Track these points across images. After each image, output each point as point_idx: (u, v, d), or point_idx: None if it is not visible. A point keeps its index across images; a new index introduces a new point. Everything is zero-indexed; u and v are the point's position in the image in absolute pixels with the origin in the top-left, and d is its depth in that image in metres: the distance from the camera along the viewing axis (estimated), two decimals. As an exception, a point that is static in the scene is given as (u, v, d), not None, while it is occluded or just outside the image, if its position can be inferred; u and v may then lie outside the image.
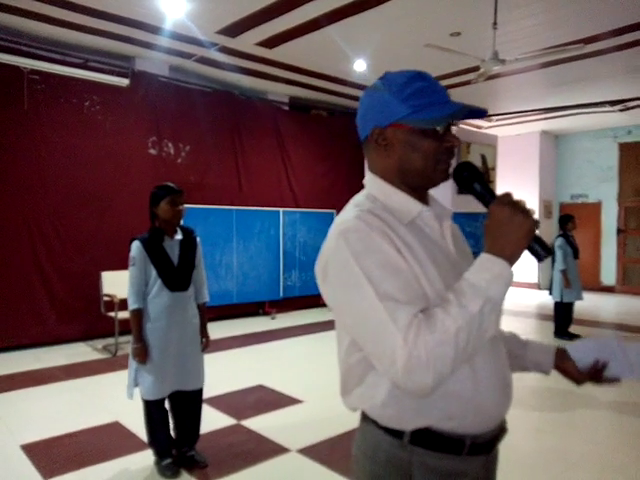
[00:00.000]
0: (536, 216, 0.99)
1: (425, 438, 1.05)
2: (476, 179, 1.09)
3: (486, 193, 1.08)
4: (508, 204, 0.98)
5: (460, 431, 1.05)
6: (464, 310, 0.93)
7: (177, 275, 2.95)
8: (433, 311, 0.95)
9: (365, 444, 1.14)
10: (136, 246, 2.91)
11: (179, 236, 3.00)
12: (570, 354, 1.26)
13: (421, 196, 1.14)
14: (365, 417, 1.14)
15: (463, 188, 1.10)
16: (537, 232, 1.01)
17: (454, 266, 1.09)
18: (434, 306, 0.97)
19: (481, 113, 1.10)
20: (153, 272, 2.90)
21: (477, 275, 0.96)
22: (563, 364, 1.26)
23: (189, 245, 3.05)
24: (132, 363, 2.93)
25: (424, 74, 1.10)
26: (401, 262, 0.99)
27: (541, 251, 1.02)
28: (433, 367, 0.91)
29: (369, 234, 1.00)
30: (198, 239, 3.15)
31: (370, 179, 1.16)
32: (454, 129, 1.11)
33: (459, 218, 9.10)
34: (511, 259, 0.97)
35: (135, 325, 2.87)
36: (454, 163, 1.10)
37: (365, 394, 1.09)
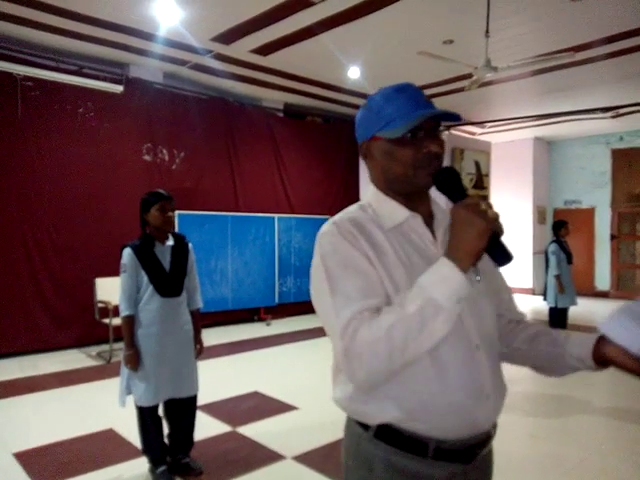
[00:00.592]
0: (501, 221, 0.99)
1: (388, 434, 1.08)
2: (451, 182, 1.10)
3: (457, 195, 1.08)
4: (466, 206, 1.00)
5: (423, 433, 1.06)
6: (402, 309, 0.96)
7: (169, 281, 2.94)
8: (382, 310, 1.00)
9: (345, 435, 1.21)
10: (127, 253, 2.90)
11: (170, 242, 3.00)
12: (609, 337, 1.05)
13: (415, 202, 1.17)
14: None
15: (440, 191, 1.12)
16: (501, 237, 1.00)
17: None
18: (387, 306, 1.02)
19: (455, 117, 1.14)
20: (145, 278, 2.89)
21: (426, 277, 0.99)
22: (607, 352, 1.06)
23: (181, 251, 3.04)
24: (124, 370, 2.92)
25: (405, 86, 1.16)
26: (364, 264, 1.05)
27: (500, 256, 1.01)
28: (366, 363, 0.96)
29: (338, 237, 1.08)
30: (190, 245, 3.15)
31: (370, 189, 1.23)
32: (445, 134, 1.12)
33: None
34: (462, 261, 0.97)
35: (127, 332, 2.86)
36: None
37: (341, 385, 1.15)
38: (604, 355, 1.07)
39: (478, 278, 1.06)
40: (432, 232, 1.17)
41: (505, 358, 1.25)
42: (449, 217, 1.17)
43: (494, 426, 1.17)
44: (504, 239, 1.01)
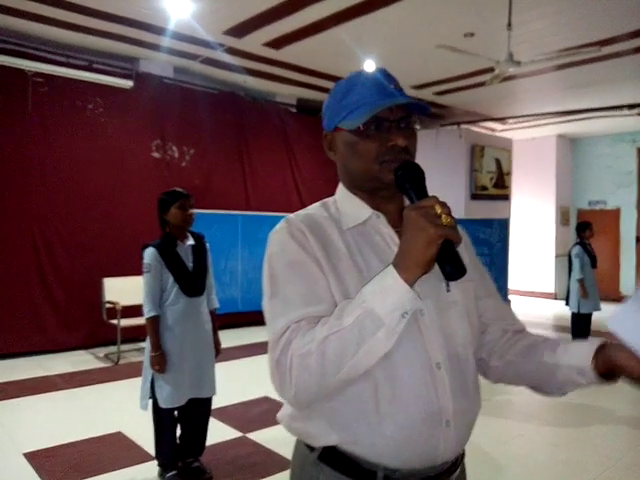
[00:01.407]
0: (452, 227, 0.86)
1: (334, 458, 0.99)
2: (409, 180, 0.98)
3: (415, 195, 0.96)
4: (418, 208, 0.88)
5: (371, 459, 0.96)
6: (338, 322, 0.87)
7: (193, 280, 2.95)
8: (320, 321, 0.91)
9: (293, 455, 1.13)
10: (150, 253, 2.89)
11: (191, 241, 3.01)
12: (617, 336, 0.87)
13: (381, 200, 1.08)
14: None
15: (398, 188, 1.00)
16: (456, 247, 0.88)
17: None
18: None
19: (423, 108, 1.03)
20: (170, 279, 2.89)
21: (369, 286, 0.89)
22: (614, 358, 0.91)
23: (201, 250, 3.07)
24: (147, 373, 2.88)
25: (367, 73, 1.07)
26: (312, 268, 0.97)
27: (450, 269, 0.88)
28: (296, 378, 0.88)
29: (286, 237, 1.01)
30: (208, 245, 3.16)
31: (339, 184, 1.16)
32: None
33: (472, 224, 8.89)
34: (408, 271, 0.86)
35: (152, 333, 2.85)
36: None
37: (285, 402, 1.06)
38: (611, 361, 0.91)
39: (448, 288, 0.98)
40: (400, 233, 1.01)
41: (499, 375, 1.14)
42: None
43: (460, 457, 1.05)
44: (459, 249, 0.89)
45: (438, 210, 0.86)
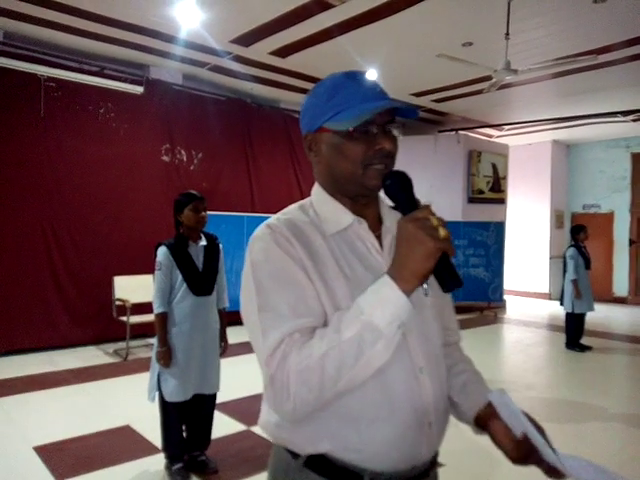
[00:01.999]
0: (448, 239, 0.86)
1: (320, 464, 0.96)
2: (399, 189, 0.97)
3: (406, 204, 0.95)
4: (414, 220, 0.87)
5: (358, 464, 0.94)
6: (336, 335, 0.85)
7: (202, 280, 3.01)
8: (315, 333, 0.88)
9: (271, 458, 1.10)
10: (162, 251, 2.97)
11: (203, 242, 3.07)
12: (495, 409, 1.01)
13: (362, 206, 1.05)
14: None
15: (388, 196, 1.00)
16: (451, 259, 0.88)
17: None
18: (322, 327, 0.90)
19: (411, 112, 1.02)
20: (179, 277, 2.96)
21: (365, 297, 0.88)
22: (490, 424, 1.03)
23: (213, 251, 3.12)
24: (155, 367, 2.96)
25: (353, 73, 1.04)
26: (299, 276, 0.93)
27: (448, 280, 0.88)
28: (294, 393, 0.85)
29: (271, 244, 0.96)
30: (221, 245, 3.22)
31: (315, 186, 1.11)
32: (395, 132, 1.02)
33: (469, 227, 9.09)
34: (406, 282, 0.85)
35: (160, 329, 2.92)
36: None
37: (266, 409, 1.03)
38: (486, 425, 1.03)
39: (428, 293, 0.93)
40: (379, 239, 1.05)
41: None
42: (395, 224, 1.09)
43: (435, 455, 1.06)
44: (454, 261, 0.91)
45: (435, 222, 0.86)
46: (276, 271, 0.93)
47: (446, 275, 0.88)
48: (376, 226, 1.06)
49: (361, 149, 0.98)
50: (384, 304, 0.85)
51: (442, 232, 0.84)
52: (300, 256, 0.95)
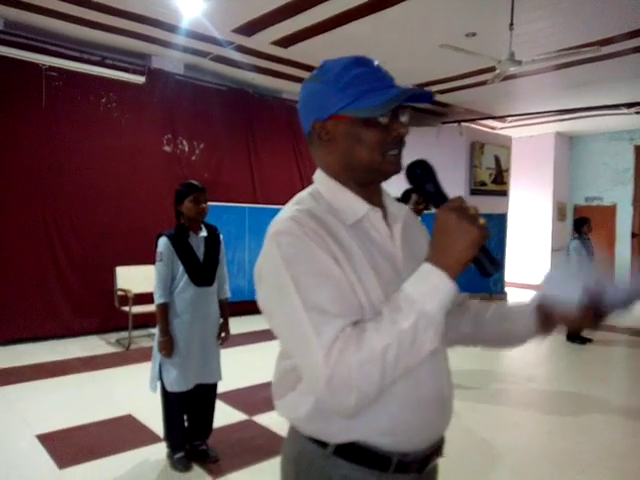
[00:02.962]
0: (487, 227, 0.90)
1: (350, 451, 0.99)
2: (428, 178, 1.00)
3: (437, 195, 0.99)
4: (456, 209, 0.90)
5: (388, 448, 0.98)
6: (395, 327, 0.86)
7: (203, 271, 3.01)
8: (364, 326, 0.88)
9: (291, 448, 1.10)
10: (163, 242, 2.97)
11: (204, 233, 3.07)
12: (551, 294, 1.07)
13: (372, 194, 1.06)
14: None
15: (414, 186, 1.02)
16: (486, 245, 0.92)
17: (398, 273, 1.00)
18: (368, 319, 0.90)
19: (427, 97, 1.02)
20: (180, 268, 2.96)
21: (414, 287, 0.89)
22: (553, 316, 1.08)
23: (213, 242, 3.11)
24: (156, 356, 2.98)
25: (363, 59, 1.02)
26: (335, 270, 0.91)
27: (489, 266, 0.93)
28: (357, 387, 0.85)
29: (301, 238, 0.92)
30: (221, 236, 3.21)
31: (318, 175, 1.09)
32: (405, 116, 1.02)
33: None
34: (452, 270, 0.88)
35: (161, 319, 2.93)
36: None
37: (293, 402, 1.04)
38: (551, 319, 1.08)
39: None
40: (390, 227, 1.06)
41: (453, 342, 1.19)
42: (403, 211, 1.11)
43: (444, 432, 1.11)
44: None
45: (472, 211, 0.89)
46: (314, 267, 0.91)
47: (486, 261, 0.92)
48: (383, 214, 1.06)
49: (380, 135, 0.97)
50: (435, 292, 0.87)
51: (481, 220, 0.89)
52: (331, 248, 0.93)
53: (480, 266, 0.93)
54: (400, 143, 1.00)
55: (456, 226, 0.88)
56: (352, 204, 1.02)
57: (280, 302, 0.93)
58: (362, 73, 0.99)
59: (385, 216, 1.06)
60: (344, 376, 0.84)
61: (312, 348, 0.87)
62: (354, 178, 1.03)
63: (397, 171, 1.01)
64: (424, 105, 8.56)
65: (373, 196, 1.06)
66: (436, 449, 1.06)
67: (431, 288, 0.87)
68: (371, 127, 0.97)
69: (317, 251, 0.91)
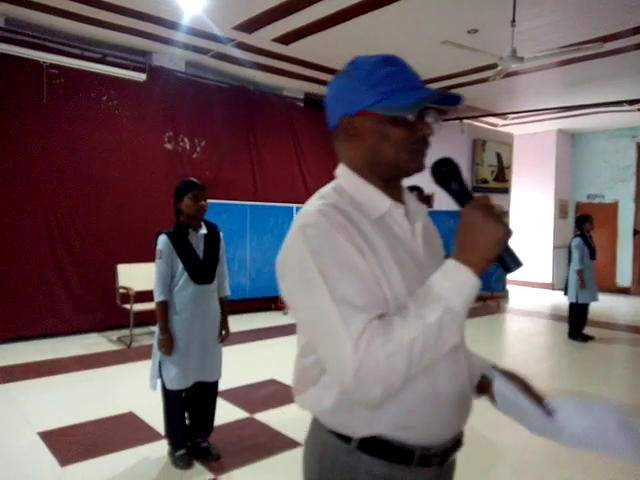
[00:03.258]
0: (510, 225, 0.94)
1: (373, 446, 1.00)
2: (454, 177, 1.02)
3: (462, 193, 1.01)
4: (481, 207, 0.93)
5: (411, 442, 1.00)
6: (421, 321, 0.88)
7: (202, 268, 3.01)
8: (391, 319, 0.90)
9: (314, 443, 1.11)
10: (163, 240, 2.96)
11: (203, 230, 3.06)
12: (495, 388, 1.09)
13: (394, 190, 1.08)
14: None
15: (439, 184, 1.04)
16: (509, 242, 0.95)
17: (420, 269, 1.02)
18: (393, 313, 0.92)
19: (456, 100, 1.02)
20: (179, 265, 2.96)
21: (440, 283, 0.92)
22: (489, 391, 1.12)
23: (213, 239, 3.11)
24: (156, 354, 2.98)
25: (394, 58, 1.04)
26: (361, 263, 0.93)
27: (511, 263, 0.96)
28: (383, 378, 0.87)
29: (329, 230, 0.94)
30: (221, 234, 3.21)
31: (341, 170, 1.10)
32: (430, 117, 1.04)
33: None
34: (478, 267, 0.92)
35: (161, 317, 2.93)
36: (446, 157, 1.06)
37: (316, 396, 1.05)
38: (485, 392, 1.14)
39: None
40: (411, 223, 1.09)
41: None
42: (421, 207, 1.13)
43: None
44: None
45: (497, 210, 0.92)
46: (341, 259, 0.92)
47: (509, 258, 0.96)
48: (404, 210, 1.09)
49: (407, 134, 1.00)
50: (461, 289, 0.90)
51: (506, 219, 0.88)
52: (357, 241, 0.95)
53: (503, 263, 0.97)
54: (425, 143, 1.03)
55: (482, 225, 0.91)
56: (375, 199, 1.04)
57: (306, 294, 0.95)
58: (393, 72, 1.01)
59: (406, 213, 1.08)
60: (372, 368, 0.86)
61: (340, 340, 0.88)
62: (378, 174, 1.05)
63: (420, 169, 1.04)
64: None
65: (394, 192, 1.08)
66: (456, 442, 1.09)
67: (457, 284, 0.91)
68: (398, 125, 1.00)
69: (344, 243, 0.93)
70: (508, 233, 0.92)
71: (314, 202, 1.02)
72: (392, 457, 1.00)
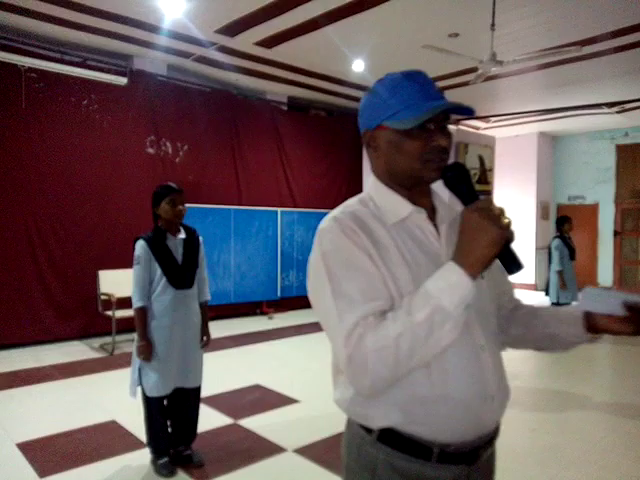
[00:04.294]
0: (512, 227, 0.95)
1: (392, 438, 1.05)
2: (462, 180, 1.06)
3: (468, 196, 1.04)
4: (479, 209, 0.96)
5: (427, 437, 1.03)
6: (409, 317, 0.93)
7: (181, 273, 2.98)
8: (386, 315, 0.96)
9: (347, 433, 1.18)
10: (140, 245, 2.93)
11: (182, 235, 3.03)
12: (593, 312, 1.11)
13: (419, 196, 1.13)
14: None
15: (448, 188, 1.08)
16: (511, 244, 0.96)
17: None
18: (390, 309, 0.98)
19: (467, 111, 1.06)
20: (158, 271, 2.93)
21: (434, 282, 0.95)
22: (598, 324, 1.10)
23: (192, 244, 3.08)
24: (135, 361, 2.94)
25: (415, 73, 1.11)
26: (367, 263, 1.01)
27: (510, 264, 0.98)
28: (371, 370, 0.93)
29: (339, 235, 1.03)
30: (201, 238, 3.18)
31: (370, 180, 1.19)
32: (453, 128, 1.08)
33: (456, 219, 9.10)
34: (472, 268, 0.94)
35: (140, 323, 2.89)
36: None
37: (341, 387, 1.13)
38: (596, 327, 1.11)
39: (484, 276, 1.02)
40: (435, 226, 1.13)
41: (505, 344, 1.25)
42: (453, 211, 1.16)
43: (497, 426, 1.14)
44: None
45: (497, 211, 0.94)
46: (346, 259, 1.01)
47: (508, 260, 0.98)
48: (430, 214, 1.14)
49: (419, 146, 1.05)
50: (452, 289, 0.93)
51: (505, 220, 0.94)
52: (365, 244, 1.02)
53: (503, 264, 0.99)
54: (439, 152, 1.06)
55: (477, 226, 0.94)
56: (397, 206, 1.11)
57: (318, 293, 1.05)
58: (405, 87, 1.07)
59: (433, 216, 1.14)
60: (360, 360, 0.93)
61: (336, 332, 0.98)
62: (398, 182, 1.12)
63: (434, 178, 1.08)
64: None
65: (421, 198, 1.13)
66: (488, 441, 1.11)
67: (449, 284, 0.93)
68: (411, 137, 1.05)
69: (352, 247, 1.02)
70: (506, 235, 0.94)
71: (335, 210, 1.12)
72: (410, 451, 1.04)
